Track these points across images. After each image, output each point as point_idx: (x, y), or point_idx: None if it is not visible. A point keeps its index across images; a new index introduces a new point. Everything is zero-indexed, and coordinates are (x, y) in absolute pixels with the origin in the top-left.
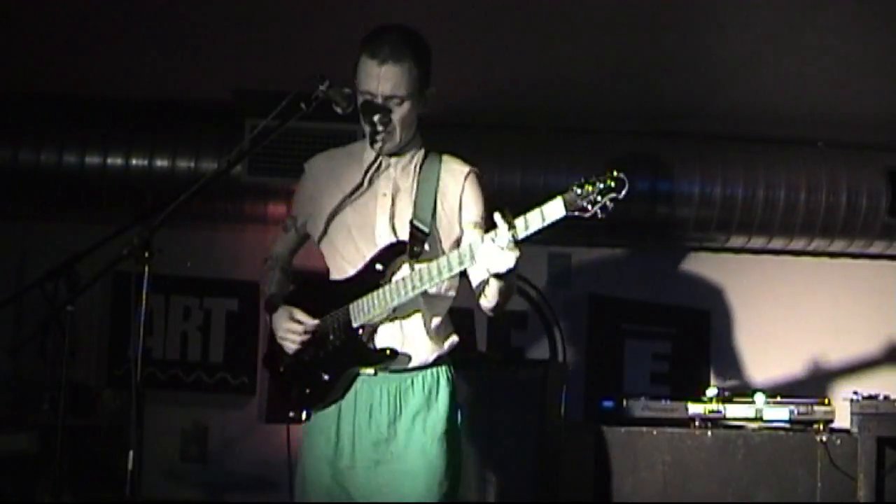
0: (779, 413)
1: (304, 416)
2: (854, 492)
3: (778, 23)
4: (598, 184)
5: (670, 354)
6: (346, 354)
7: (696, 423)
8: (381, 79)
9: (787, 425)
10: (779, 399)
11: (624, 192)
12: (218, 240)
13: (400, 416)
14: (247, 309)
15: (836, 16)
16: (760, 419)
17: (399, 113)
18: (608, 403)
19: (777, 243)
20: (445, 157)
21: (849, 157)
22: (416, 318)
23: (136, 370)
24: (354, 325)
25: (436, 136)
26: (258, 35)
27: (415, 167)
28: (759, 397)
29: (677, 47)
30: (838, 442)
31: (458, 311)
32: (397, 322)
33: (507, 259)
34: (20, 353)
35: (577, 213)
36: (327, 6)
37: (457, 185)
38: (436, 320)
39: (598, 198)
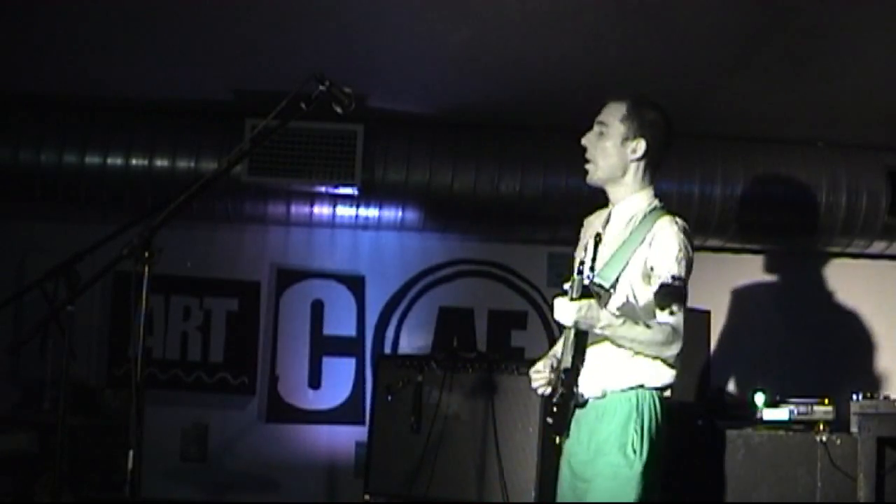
0: (779, 413)
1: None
2: (854, 492)
3: (779, 23)
4: None
5: None
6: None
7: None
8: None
9: (787, 425)
10: (779, 399)
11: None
12: (218, 240)
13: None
14: (247, 309)
15: (836, 16)
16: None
17: (600, 142)
18: None
19: (777, 243)
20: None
21: (849, 157)
22: None
23: (136, 370)
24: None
25: (437, 136)
26: (258, 35)
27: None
28: (759, 397)
29: (677, 47)
30: (838, 442)
31: (458, 311)
32: None
33: (558, 310)
34: (20, 352)
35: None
36: (327, 6)
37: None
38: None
39: None
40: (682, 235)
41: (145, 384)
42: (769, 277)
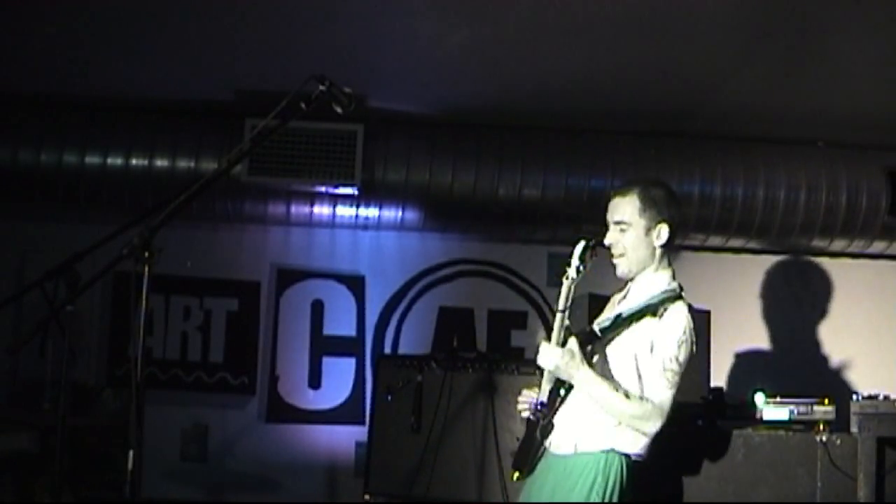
0: (779, 413)
1: None
2: (854, 492)
3: (778, 23)
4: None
5: None
6: None
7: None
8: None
9: (787, 425)
10: (779, 399)
11: (578, 250)
12: (218, 240)
13: None
14: (247, 309)
15: (836, 16)
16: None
17: (625, 239)
18: None
19: (777, 243)
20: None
21: (849, 157)
22: None
23: (136, 370)
24: None
25: (437, 136)
26: (258, 35)
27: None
28: (759, 397)
29: (677, 47)
30: (838, 442)
31: (458, 311)
32: None
33: (542, 354)
34: (20, 352)
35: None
36: (327, 6)
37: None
38: None
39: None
40: (689, 322)
41: (145, 384)
42: (769, 277)
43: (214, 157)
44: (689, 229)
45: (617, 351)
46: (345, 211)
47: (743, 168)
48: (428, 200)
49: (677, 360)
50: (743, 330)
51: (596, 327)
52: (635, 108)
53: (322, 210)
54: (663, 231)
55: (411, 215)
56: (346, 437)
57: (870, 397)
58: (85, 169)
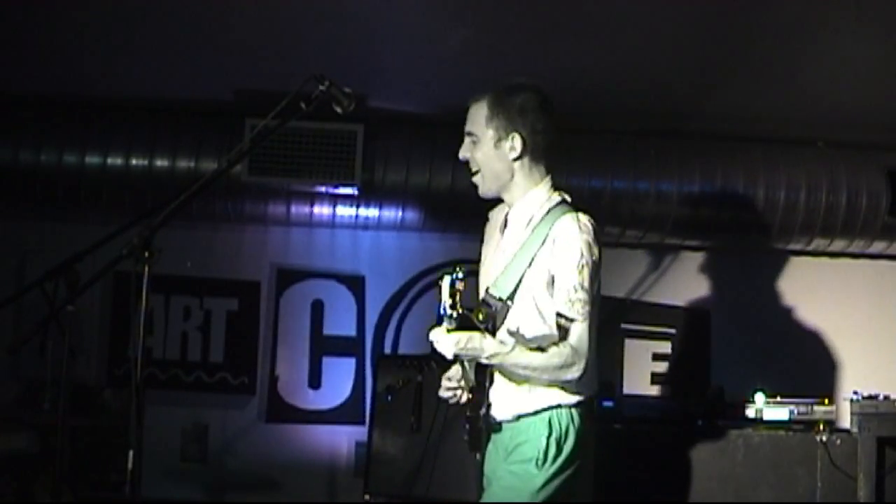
0: (779, 413)
1: None
2: (854, 492)
3: (778, 23)
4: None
5: (670, 354)
6: None
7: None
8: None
9: (787, 425)
10: (779, 399)
11: (444, 288)
12: (218, 240)
13: None
14: (247, 309)
15: (836, 16)
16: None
17: (477, 152)
18: (608, 403)
19: (777, 243)
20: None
21: (849, 157)
22: None
23: (136, 370)
24: None
25: (437, 136)
26: (258, 35)
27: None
28: (759, 397)
29: (677, 47)
30: (838, 442)
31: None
32: None
33: (436, 342)
34: (20, 352)
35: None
36: (327, 6)
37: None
38: None
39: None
40: (584, 237)
41: (145, 384)
42: (769, 277)
43: (214, 157)
44: (689, 229)
45: (521, 299)
46: (345, 211)
47: (743, 168)
48: (428, 200)
49: (582, 286)
50: (743, 330)
51: (493, 292)
52: (635, 108)
53: (322, 210)
54: (516, 143)
55: (411, 215)
56: (346, 437)
57: (870, 397)
58: (85, 169)
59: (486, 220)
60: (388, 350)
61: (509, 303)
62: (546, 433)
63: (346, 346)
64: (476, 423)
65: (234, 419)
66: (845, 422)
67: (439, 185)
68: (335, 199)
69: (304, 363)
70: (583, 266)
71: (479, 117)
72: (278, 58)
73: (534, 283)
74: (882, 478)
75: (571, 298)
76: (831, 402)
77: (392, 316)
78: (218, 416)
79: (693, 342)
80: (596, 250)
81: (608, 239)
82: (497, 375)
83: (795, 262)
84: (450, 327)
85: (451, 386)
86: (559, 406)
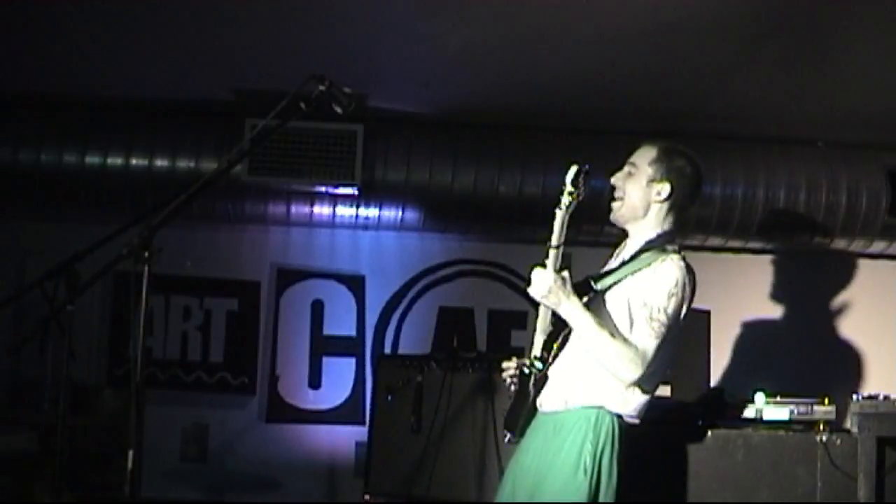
0: (779, 413)
1: None
2: (854, 492)
3: (778, 23)
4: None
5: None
6: None
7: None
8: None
9: (787, 425)
10: (779, 399)
11: (570, 175)
12: (218, 240)
13: None
14: (247, 309)
15: (836, 16)
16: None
17: (628, 182)
18: None
19: (777, 243)
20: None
21: (849, 157)
22: None
23: (136, 370)
24: None
25: (437, 136)
26: (258, 35)
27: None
28: (759, 397)
29: (677, 47)
30: (838, 442)
31: (458, 311)
32: None
33: (534, 280)
34: (20, 352)
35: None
36: (327, 6)
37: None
38: None
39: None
40: (684, 277)
41: (145, 384)
42: (769, 277)
43: (214, 157)
44: (690, 229)
45: (610, 301)
46: (345, 211)
47: (743, 168)
48: (428, 200)
49: (665, 311)
50: (743, 330)
51: (591, 280)
52: (635, 108)
53: (322, 210)
54: (664, 189)
55: (411, 215)
56: (346, 437)
57: (870, 397)
58: (85, 169)
59: (487, 220)
60: (388, 350)
61: (598, 289)
62: (587, 434)
63: (346, 346)
64: (524, 400)
65: (234, 419)
66: (845, 422)
67: (439, 185)
68: (335, 199)
69: (304, 363)
70: (672, 295)
71: (646, 155)
72: (278, 58)
73: (628, 291)
74: (882, 478)
75: (653, 316)
76: (831, 402)
77: (392, 316)
78: (218, 416)
79: (693, 342)
80: (689, 292)
81: (608, 239)
82: (559, 362)
83: (796, 261)
84: (564, 204)
85: (512, 366)
86: (603, 408)
